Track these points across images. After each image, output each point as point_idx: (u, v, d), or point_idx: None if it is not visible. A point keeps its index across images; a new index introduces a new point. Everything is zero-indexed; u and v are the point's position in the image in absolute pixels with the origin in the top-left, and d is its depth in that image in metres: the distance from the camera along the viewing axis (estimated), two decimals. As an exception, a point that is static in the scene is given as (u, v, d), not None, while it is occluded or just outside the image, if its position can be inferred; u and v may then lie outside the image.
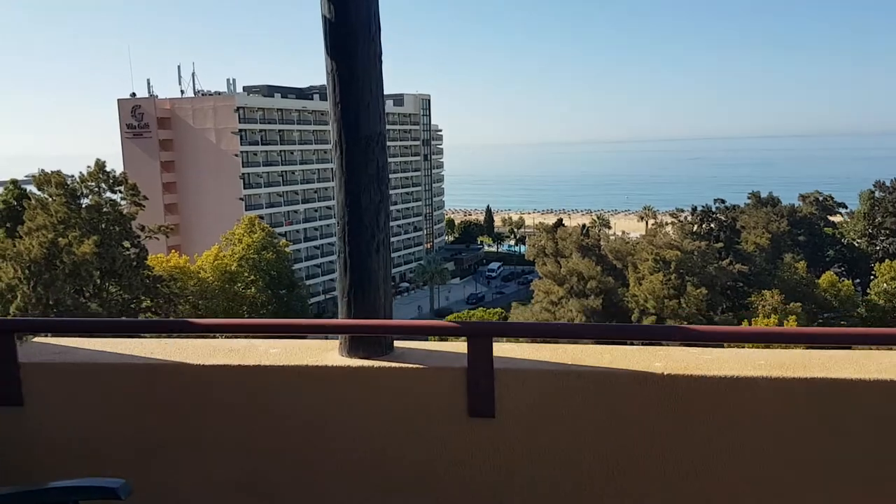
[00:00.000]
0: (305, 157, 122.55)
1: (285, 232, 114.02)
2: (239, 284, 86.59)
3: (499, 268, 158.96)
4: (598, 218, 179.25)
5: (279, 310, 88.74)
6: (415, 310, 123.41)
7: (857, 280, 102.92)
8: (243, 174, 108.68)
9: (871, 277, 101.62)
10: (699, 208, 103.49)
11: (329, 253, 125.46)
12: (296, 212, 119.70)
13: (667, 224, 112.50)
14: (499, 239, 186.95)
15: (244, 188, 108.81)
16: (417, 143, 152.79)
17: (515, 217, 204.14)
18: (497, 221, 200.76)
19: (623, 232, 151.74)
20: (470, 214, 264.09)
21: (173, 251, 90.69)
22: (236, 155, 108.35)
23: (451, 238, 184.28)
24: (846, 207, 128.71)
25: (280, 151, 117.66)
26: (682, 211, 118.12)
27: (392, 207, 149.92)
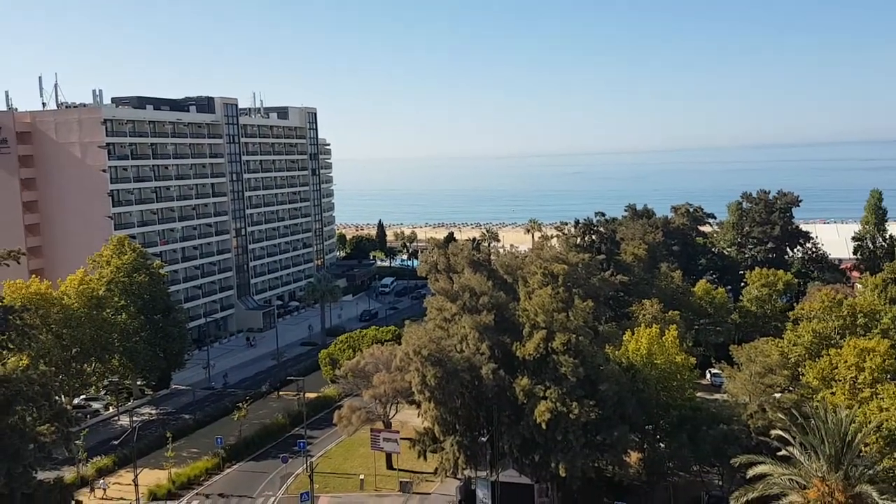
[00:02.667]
0: (182, 171, 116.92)
1: (160, 252, 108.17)
2: (108, 310, 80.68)
3: (392, 283, 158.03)
4: (488, 231, 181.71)
5: (154, 337, 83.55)
6: (305, 330, 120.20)
7: (729, 287, 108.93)
8: (112, 191, 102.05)
9: (742, 284, 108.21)
10: (581, 221, 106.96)
11: (210, 273, 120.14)
12: (172, 230, 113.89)
13: (552, 237, 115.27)
14: (391, 253, 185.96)
15: (113, 206, 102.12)
16: (305, 157, 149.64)
17: (408, 231, 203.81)
18: (389, 236, 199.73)
19: (512, 245, 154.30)
20: (362, 229, 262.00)
21: (34, 276, 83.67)
22: (104, 170, 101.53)
23: (342, 254, 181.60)
24: (715, 218, 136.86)
25: (153, 166, 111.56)
26: (566, 223, 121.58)
27: (279, 223, 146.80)
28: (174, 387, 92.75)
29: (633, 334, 64.41)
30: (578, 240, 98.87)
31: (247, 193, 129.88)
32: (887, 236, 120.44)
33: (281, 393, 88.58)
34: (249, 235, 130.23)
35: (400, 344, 61.36)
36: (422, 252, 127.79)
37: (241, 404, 74.92)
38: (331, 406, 78.99)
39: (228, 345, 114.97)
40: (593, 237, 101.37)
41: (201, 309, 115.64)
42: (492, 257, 66.73)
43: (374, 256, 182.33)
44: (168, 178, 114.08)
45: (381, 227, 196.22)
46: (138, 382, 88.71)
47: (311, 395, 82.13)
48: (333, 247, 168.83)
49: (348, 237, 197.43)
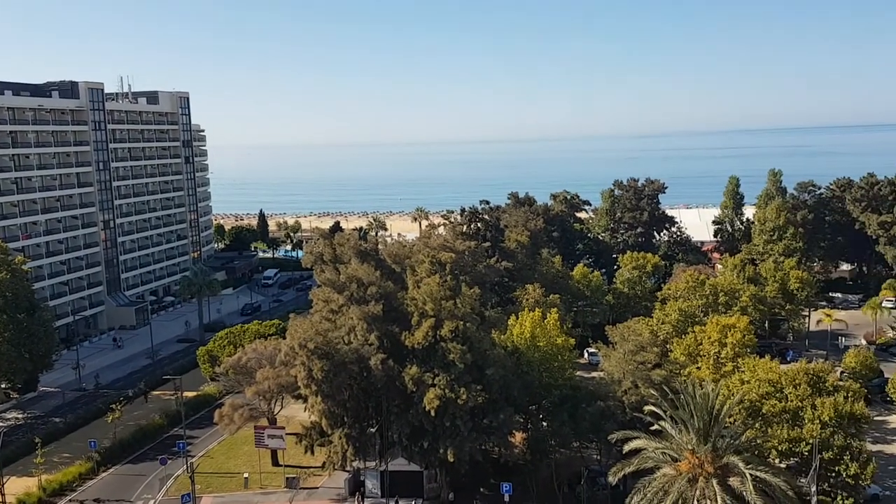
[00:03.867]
0: (44, 161, 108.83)
1: (23, 247, 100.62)
2: (-36, 311, 74.44)
3: (275, 274, 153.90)
4: (375, 220, 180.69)
5: (18, 337, 77.75)
6: (182, 326, 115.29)
7: (604, 270, 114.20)
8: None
9: (616, 267, 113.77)
10: (467, 209, 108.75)
11: (78, 268, 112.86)
12: (35, 223, 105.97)
13: (439, 225, 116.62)
14: (274, 244, 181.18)
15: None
16: (177, 144, 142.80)
17: (291, 221, 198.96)
18: (272, 226, 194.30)
19: (399, 234, 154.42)
20: (242, 219, 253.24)
21: None
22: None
23: (221, 245, 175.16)
24: (590, 204, 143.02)
25: (13, 155, 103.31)
26: (452, 212, 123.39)
27: (150, 214, 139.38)
28: (42, 389, 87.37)
29: (517, 318, 66.29)
30: (465, 228, 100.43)
31: (115, 183, 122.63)
32: (744, 220, 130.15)
33: (155, 393, 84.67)
34: (119, 228, 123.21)
35: (284, 338, 60.05)
36: (307, 242, 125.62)
37: (114, 405, 71.21)
38: (211, 404, 76.85)
39: (99, 343, 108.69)
40: (479, 225, 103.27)
41: (69, 306, 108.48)
42: (379, 246, 66.61)
43: (255, 248, 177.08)
44: (30, 167, 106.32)
45: (262, 216, 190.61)
46: (2, 385, 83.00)
47: (190, 394, 79.43)
48: (211, 238, 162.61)
49: (227, 228, 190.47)
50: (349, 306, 55.31)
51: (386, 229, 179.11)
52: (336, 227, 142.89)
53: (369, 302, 54.19)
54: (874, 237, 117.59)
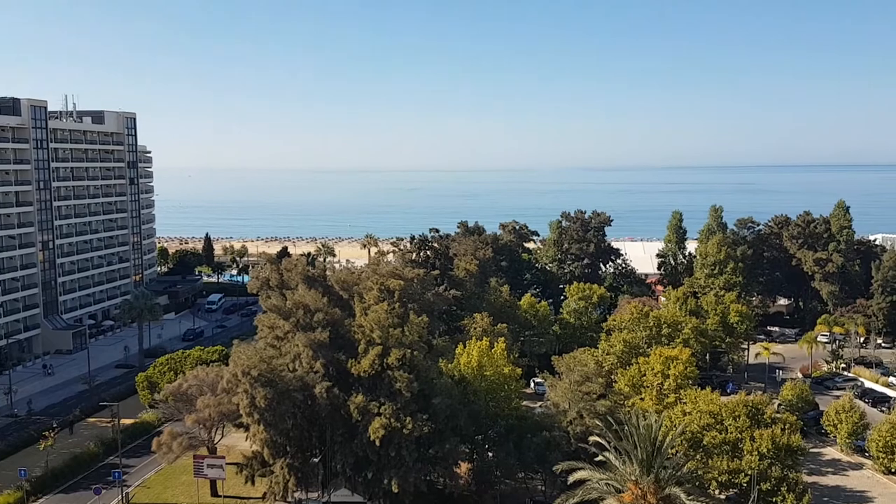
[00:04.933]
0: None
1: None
2: None
3: (220, 300, 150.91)
4: (324, 246, 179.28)
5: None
6: (121, 351, 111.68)
7: (551, 300, 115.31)
8: None
9: (562, 297, 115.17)
10: (417, 237, 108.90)
11: (13, 290, 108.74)
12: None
13: (388, 252, 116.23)
14: (220, 269, 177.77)
15: None
16: (122, 164, 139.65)
17: (238, 245, 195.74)
18: (218, 250, 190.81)
19: (348, 260, 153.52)
20: (186, 243, 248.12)
21: None
22: None
23: (164, 269, 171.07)
24: (538, 235, 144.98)
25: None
26: (402, 239, 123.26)
27: (92, 236, 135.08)
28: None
29: (464, 347, 66.35)
30: (414, 255, 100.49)
31: (56, 203, 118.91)
32: (687, 254, 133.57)
33: (91, 420, 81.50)
34: (58, 249, 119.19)
35: (227, 365, 58.75)
36: (253, 267, 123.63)
37: (47, 433, 68.24)
38: (150, 432, 74.35)
39: (33, 368, 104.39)
40: (428, 253, 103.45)
41: (2, 329, 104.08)
42: (327, 273, 66.02)
43: (200, 272, 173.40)
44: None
45: (208, 240, 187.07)
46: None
47: (128, 422, 76.77)
48: (154, 261, 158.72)
49: (171, 251, 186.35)
50: (295, 333, 54.56)
51: (335, 255, 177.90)
52: (284, 253, 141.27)
53: (316, 329, 53.55)
54: (810, 273, 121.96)
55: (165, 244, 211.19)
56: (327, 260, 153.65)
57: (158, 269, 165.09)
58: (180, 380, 66.78)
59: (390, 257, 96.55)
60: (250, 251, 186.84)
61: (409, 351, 52.97)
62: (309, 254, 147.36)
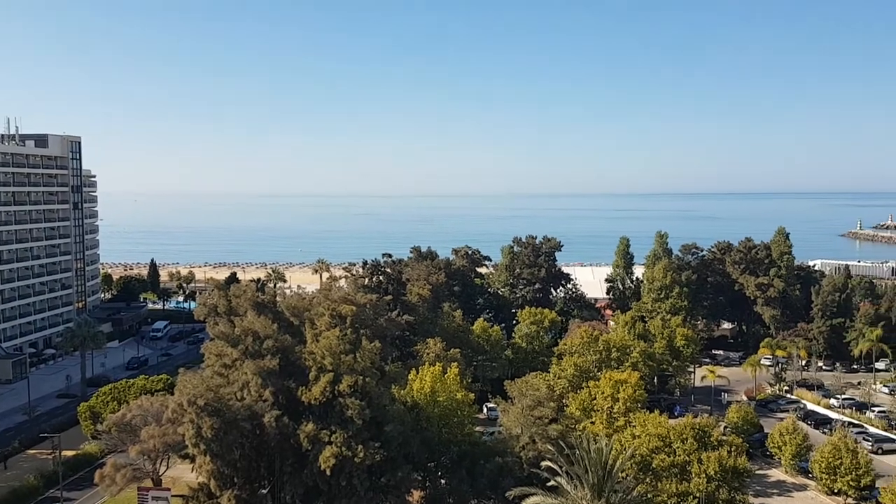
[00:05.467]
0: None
1: None
2: None
3: (165, 327, 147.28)
4: (274, 271, 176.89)
5: None
6: (62, 381, 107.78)
7: (503, 325, 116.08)
8: None
9: (515, 322, 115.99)
10: (369, 262, 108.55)
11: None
12: None
13: (340, 277, 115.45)
14: (165, 295, 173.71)
15: None
16: (66, 189, 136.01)
17: (184, 271, 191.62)
18: (164, 276, 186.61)
19: (299, 286, 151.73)
20: (131, 269, 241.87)
21: None
22: None
23: (108, 296, 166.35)
24: (491, 260, 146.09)
25: None
26: (354, 264, 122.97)
27: (33, 262, 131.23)
28: None
29: (417, 373, 66.10)
30: (366, 280, 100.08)
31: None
32: (634, 279, 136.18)
33: (31, 451, 78.28)
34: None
35: (173, 394, 57.22)
36: (200, 293, 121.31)
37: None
38: (92, 464, 71.92)
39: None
40: (381, 278, 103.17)
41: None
42: (277, 299, 65.17)
43: (145, 298, 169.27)
44: None
45: (153, 266, 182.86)
46: None
47: (69, 453, 73.99)
48: (98, 288, 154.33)
49: (115, 277, 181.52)
50: (243, 361, 53.49)
51: (285, 281, 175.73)
52: (232, 278, 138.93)
53: (265, 356, 52.62)
54: (752, 298, 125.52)
55: (110, 270, 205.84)
56: (278, 286, 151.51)
57: (102, 295, 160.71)
58: (124, 410, 65.06)
59: (342, 283, 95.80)
60: (197, 277, 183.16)
61: (362, 378, 52.46)
62: (259, 279, 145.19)
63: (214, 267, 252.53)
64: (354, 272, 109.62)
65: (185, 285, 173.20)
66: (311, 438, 49.97)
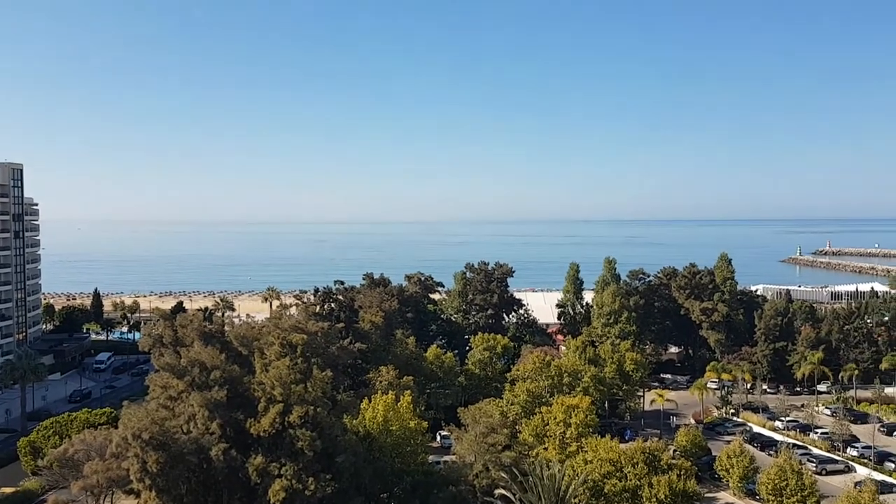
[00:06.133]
0: None
1: None
2: None
3: (109, 359, 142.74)
4: (222, 300, 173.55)
5: None
6: (1, 415, 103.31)
7: (456, 351, 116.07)
8: None
9: (468, 348, 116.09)
10: (321, 289, 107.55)
11: None
12: None
13: (291, 305, 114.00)
14: (109, 326, 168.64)
15: None
16: (6, 217, 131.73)
17: (129, 301, 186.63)
18: (107, 306, 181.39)
19: (248, 315, 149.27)
20: (74, 299, 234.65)
21: None
22: None
23: (49, 326, 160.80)
24: (444, 286, 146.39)
25: None
26: (305, 292, 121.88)
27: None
28: None
29: (370, 402, 65.50)
30: (318, 308, 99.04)
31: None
32: (584, 303, 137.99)
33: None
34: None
35: (117, 427, 55.54)
36: (145, 324, 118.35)
37: None
38: (32, 501, 69.58)
39: None
40: (332, 305, 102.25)
41: None
42: (226, 328, 64.06)
43: (88, 329, 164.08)
44: None
45: (97, 296, 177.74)
46: None
47: (8, 490, 71.46)
48: (39, 318, 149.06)
49: (57, 307, 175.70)
50: (190, 392, 52.34)
51: (234, 310, 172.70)
52: (179, 308, 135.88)
53: (212, 387, 51.60)
54: (698, 322, 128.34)
55: (52, 300, 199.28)
56: (226, 315, 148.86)
57: (44, 326, 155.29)
58: (66, 444, 63.02)
59: (293, 311, 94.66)
60: (143, 307, 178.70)
61: (313, 408, 51.81)
62: (206, 309, 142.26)
63: (160, 296, 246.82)
64: (305, 300, 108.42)
65: (129, 315, 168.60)
66: (260, 471, 49.02)
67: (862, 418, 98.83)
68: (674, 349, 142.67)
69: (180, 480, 48.42)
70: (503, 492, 48.00)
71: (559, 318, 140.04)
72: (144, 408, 54.08)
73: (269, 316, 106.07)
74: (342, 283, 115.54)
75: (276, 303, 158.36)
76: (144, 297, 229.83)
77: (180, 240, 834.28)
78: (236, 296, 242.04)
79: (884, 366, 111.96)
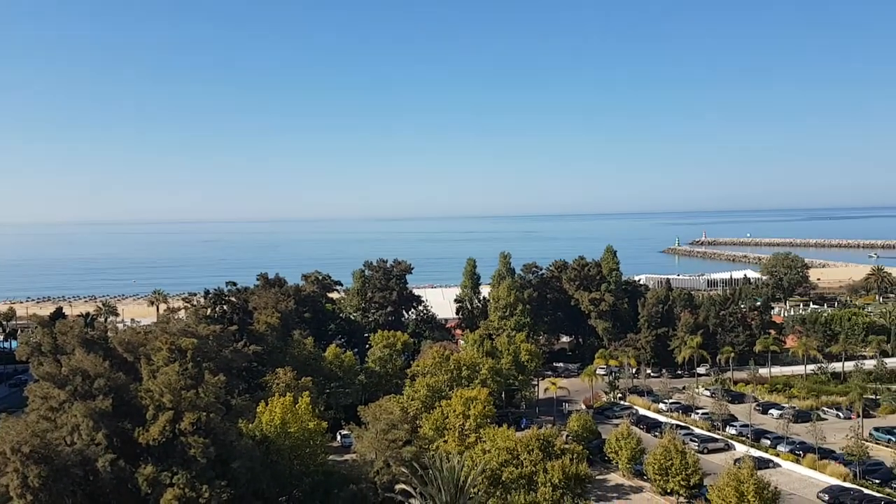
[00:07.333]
0: None
1: None
2: None
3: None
4: (105, 305, 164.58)
5: None
6: None
7: (356, 349, 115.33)
8: None
9: (367, 346, 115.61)
10: (212, 291, 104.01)
11: None
12: None
13: (180, 308, 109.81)
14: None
15: None
16: None
17: (4, 307, 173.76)
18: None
19: (133, 320, 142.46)
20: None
21: None
22: None
23: None
24: (342, 285, 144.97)
25: None
26: (195, 294, 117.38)
27: None
28: None
29: (267, 405, 64.20)
30: (209, 311, 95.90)
31: None
32: (481, 298, 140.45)
33: None
34: None
35: (-9, 443, 51.80)
36: (22, 332, 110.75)
37: None
38: None
39: None
40: (225, 307, 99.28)
41: None
42: (109, 334, 61.16)
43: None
44: None
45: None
46: None
47: None
48: None
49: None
50: (72, 402, 49.64)
51: (117, 315, 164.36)
52: (58, 314, 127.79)
53: (96, 396, 49.14)
54: (587, 312, 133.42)
55: None
56: (109, 320, 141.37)
57: None
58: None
59: (182, 314, 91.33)
60: (19, 314, 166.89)
61: (205, 413, 50.32)
62: (87, 314, 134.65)
63: (38, 302, 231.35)
64: (195, 302, 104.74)
65: (4, 323, 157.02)
66: (151, 481, 47.19)
67: (739, 398, 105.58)
68: (565, 338, 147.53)
69: (65, 494, 45.85)
70: (403, 486, 48.37)
71: (457, 313, 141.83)
72: (24, 420, 50.82)
73: (156, 320, 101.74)
74: (234, 284, 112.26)
75: (163, 306, 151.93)
76: (21, 303, 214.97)
77: (58, 241, 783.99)
78: (120, 300, 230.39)
79: (757, 348, 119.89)
